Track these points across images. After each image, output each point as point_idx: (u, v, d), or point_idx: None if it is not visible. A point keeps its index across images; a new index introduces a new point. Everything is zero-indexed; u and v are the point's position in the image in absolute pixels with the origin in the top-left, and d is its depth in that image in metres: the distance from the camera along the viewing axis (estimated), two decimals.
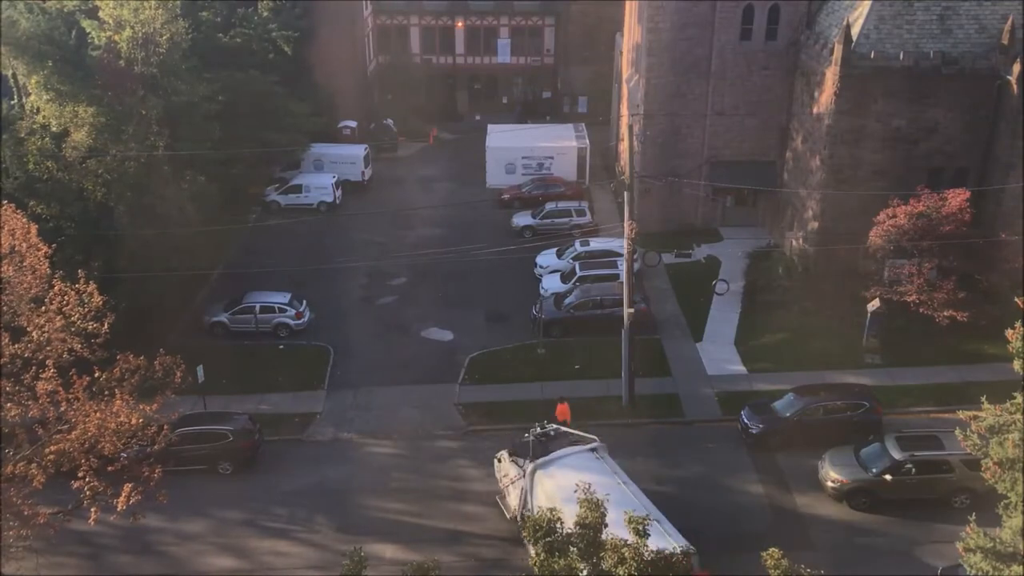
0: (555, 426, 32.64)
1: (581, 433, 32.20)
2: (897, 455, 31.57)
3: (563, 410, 35.39)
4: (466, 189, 60.44)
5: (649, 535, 20.37)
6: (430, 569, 22.87)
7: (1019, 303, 24.53)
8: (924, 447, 31.75)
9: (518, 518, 29.84)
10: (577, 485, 22.02)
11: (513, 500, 31.07)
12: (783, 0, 46.35)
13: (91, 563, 31.04)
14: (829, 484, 32.27)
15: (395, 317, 45.56)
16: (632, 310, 36.47)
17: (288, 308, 43.83)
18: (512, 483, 31.08)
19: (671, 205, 50.84)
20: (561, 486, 28.00)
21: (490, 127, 63.59)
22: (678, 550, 22.15)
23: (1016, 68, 38.45)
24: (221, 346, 42.33)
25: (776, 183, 49.18)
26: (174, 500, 29.32)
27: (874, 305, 39.31)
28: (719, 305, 44.51)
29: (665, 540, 24.87)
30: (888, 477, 31.25)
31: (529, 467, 30.14)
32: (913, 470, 31.28)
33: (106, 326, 26.04)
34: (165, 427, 27.09)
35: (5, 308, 25.41)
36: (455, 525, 32.01)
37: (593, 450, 31.10)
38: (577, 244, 48.77)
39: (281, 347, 43.09)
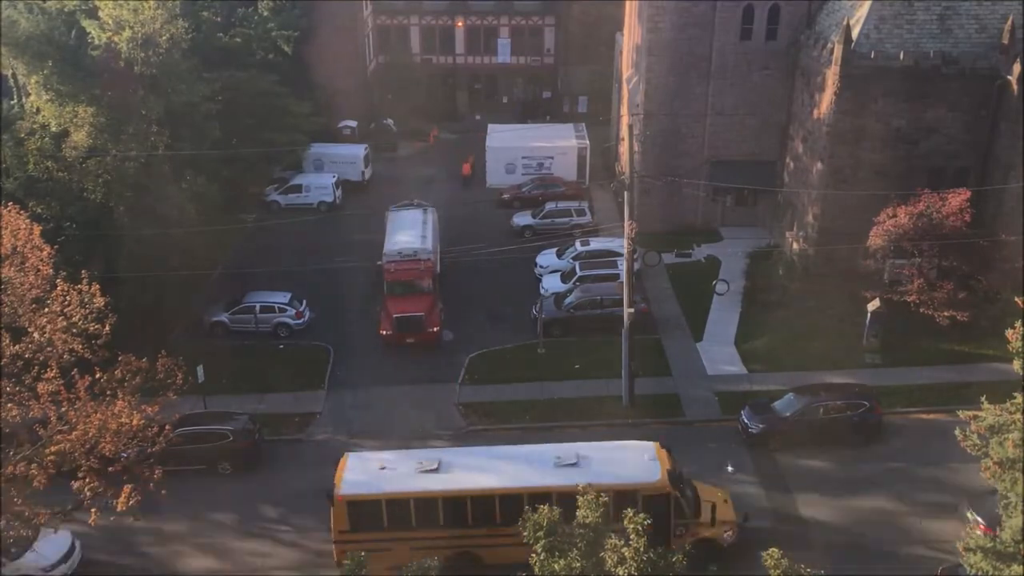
0: None
1: None
2: None
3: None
4: (466, 189, 60.36)
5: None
6: (430, 569, 22.89)
7: (1019, 303, 24.55)
8: None
9: None
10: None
11: None
12: (783, 0, 46.38)
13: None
14: None
15: None
16: (632, 310, 36.47)
17: (288, 308, 43.85)
18: None
19: (671, 205, 50.79)
20: None
21: (490, 127, 63.55)
22: None
23: (1016, 68, 38.45)
24: (221, 346, 42.29)
25: (776, 183, 49.17)
26: (172, 500, 29.34)
27: (874, 305, 39.32)
28: (719, 305, 44.50)
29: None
30: None
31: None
32: None
33: (107, 327, 26.05)
34: (167, 428, 27.09)
35: (6, 309, 25.41)
36: None
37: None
38: (577, 244, 48.77)
39: (281, 347, 43.08)
